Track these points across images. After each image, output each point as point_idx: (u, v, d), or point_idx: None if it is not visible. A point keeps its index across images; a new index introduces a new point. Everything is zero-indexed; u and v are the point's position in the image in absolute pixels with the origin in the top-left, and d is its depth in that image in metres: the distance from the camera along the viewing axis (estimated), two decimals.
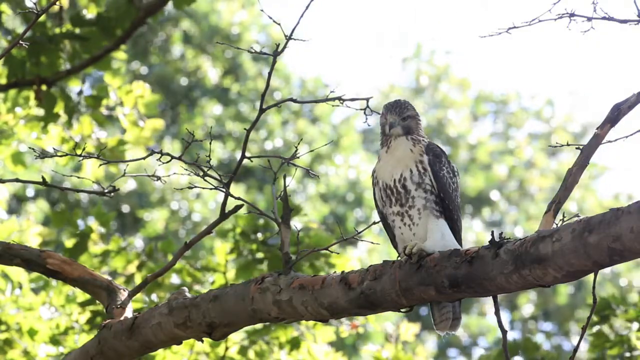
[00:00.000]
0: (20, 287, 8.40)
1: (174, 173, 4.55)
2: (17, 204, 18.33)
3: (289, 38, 4.29)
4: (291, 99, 4.46)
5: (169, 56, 20.85)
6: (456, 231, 4.54)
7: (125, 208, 18.48)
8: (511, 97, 26.04)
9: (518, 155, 24.65)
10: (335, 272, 4.42)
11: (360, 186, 21.48)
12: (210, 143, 4.52)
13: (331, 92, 4.34)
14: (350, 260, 8.14)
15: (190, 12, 20.22)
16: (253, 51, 4.37)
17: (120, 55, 8.80)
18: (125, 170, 4.61)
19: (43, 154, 4.66)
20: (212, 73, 21.27)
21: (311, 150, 4.47)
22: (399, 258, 4.26)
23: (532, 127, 25.78)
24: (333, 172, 21.15)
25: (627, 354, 7.42)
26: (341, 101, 4.36)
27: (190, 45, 21.04)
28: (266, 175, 18.89)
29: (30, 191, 18.24)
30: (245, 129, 4.22)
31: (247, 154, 4.34)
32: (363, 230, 4.41)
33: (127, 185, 18.52)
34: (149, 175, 4.62)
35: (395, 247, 4.67)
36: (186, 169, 4.51)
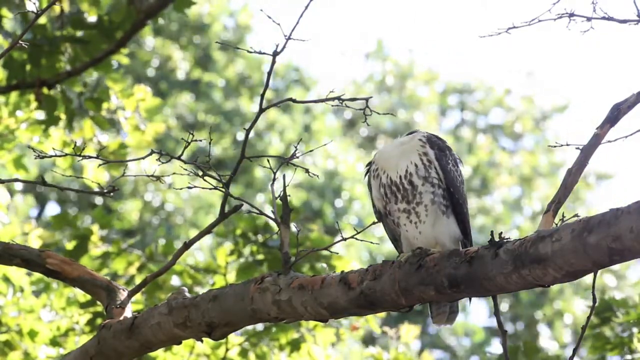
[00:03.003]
0: (22, 290, 8.41)
1: (174, 173, 4.54)
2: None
3: (288, 38, 4.29)
4: (290, 99, 4.46)
5: (138, 46, 20.81)
6: (465, 224, 4.54)
7: (99, 200, 18.48)
8: (478, 87, 26.05)
9: (480, 154, 24.65)
10: (334, 272, 4.42)
11: (340, 177, 21.46)
12: (210, 143, 4.52)
13: (330, 91, 4.34)
14: (350, 262, 8.15)
15: None
16: (252, 51, 4.37)
17: (122, 58, 8.82)
18: (124, 170, 4.60)
19: (43, 155, 4.66)
20: (182, 64, 21.24)
21: (311, 150, 4.47)
22: (399, 257, 4.25)
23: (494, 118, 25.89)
24: (309, 161, 21.13)
25: (628, 357, 7.42)
26: (340, 101, 4.35)
27: (160, 36, 21.00)
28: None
29: (18, 185, 18.24)
30: (244, 128, 4.22)
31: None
32: (362, 230, 4.41)
33: (105, 178, 18.55)
34: (148, 175, 4.62)
35: (396, 246, 4.67)
36: (185, 169, 4.51)
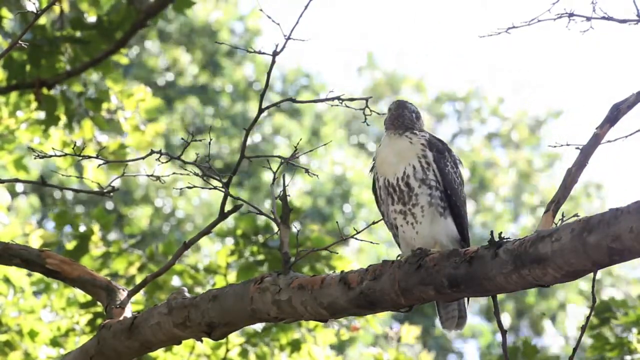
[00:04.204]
0: (22, 291, 8.41)
1: (173, 173, 4.54)
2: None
3: (287, 38, 4.29)
4: (290, 99, 4.46)
5: (146, 51, 20.83)
6: (463, 227, 4.53)
7: (109, 205, 18.50)
8: (472, 94, 26.06)
9: (477, 155, 24.62)
10: (334, 272, 4.41)
11: (347, 183, 21.47)
12: (209, 143, 4.52)
13: (330, 92, 4.34)
14: (351, 262, 8.15)
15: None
16: (252, 51, 4.37)
17: (122, 59, 8.82)
18: (124, 170, 4.60)
19: (43, 155, 4.66)
20: (190, 69, 21.28)
21: (310, 150, 4.47)
22: (398, 257, 4.25)
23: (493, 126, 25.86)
24: (316, 166, 21.14)
25: (627, 357, 7.42)
26: (340, 101, 4.35)
27: (166, 42, 21.03)
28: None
29: (20, 186, 18.25)
30: (244, 128, 4.22)
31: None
32: (362, 230, 4.41)
33: (108, 180, 18.53)
34: (148, 175, 4.63)
35: (398, 244, 4.67)
36: (185, 169, 4.51)
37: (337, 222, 4.52)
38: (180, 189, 4.50)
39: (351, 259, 8.51)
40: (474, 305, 22.40)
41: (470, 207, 24.16)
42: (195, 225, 19.37)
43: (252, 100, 21.52)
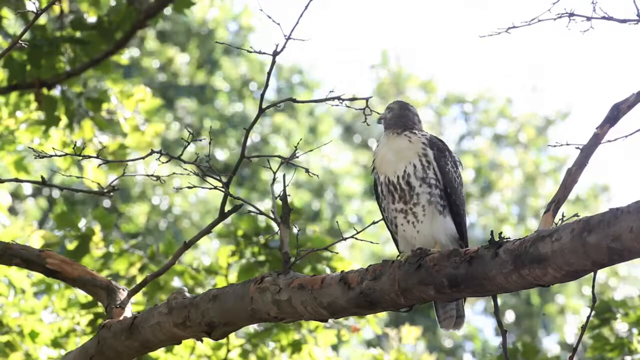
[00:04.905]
0: (23, 292, 8.40)
1: (173, 173, 4.54)
2: (13, 202, 18.29)
3: (287, 38, 4.29)
4: (290, 99, 4.46)
5: (144, 51, 20.83)
6: (462, 226, 4.54)
7: (107, 203, 18.50)
8: (482, 97, 26.03)
9: (482, 157, 24.58)
10: (334, 272, 4.41)
11: (334, 175, 21.48)
12: (210, 143, 4.52)
13: (330, 91, 4.34)
14: (351, 263, 8.14)
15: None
16: (252, 51, 4.37)
17: (121, 59, 8.82)
18: (124, 170, 4.61)
19: (43, 154, 4.67)
20: (187, 69, 21.28)
21: (310, 150, 4.47)
22: (398, 257, 4.26)
23: (500, 128, 25.83)
24: (305, 160, 21.18)
25: (628, 358, 7.41)
26: (340, 101, 4.35)
27: (165, 42, 21.03)
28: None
29: (27, 189, 18.25)
30: (244, 128, 4.22)
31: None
32: (362, 230, 4.41)
33: (108, 180, 18.49)
34: (148, 175, 4.63)
35: (396, 243, 4.67)
36: (185, 169, 4.51)
37: (337, 222, 4.52)
38: (181, 188, 4.51)
39: (344, 256, 8.50)
40: (479, 305, 22.43)
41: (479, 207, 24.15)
42: (192, 223, 19.37)
43: (247, 99, 21.50)
